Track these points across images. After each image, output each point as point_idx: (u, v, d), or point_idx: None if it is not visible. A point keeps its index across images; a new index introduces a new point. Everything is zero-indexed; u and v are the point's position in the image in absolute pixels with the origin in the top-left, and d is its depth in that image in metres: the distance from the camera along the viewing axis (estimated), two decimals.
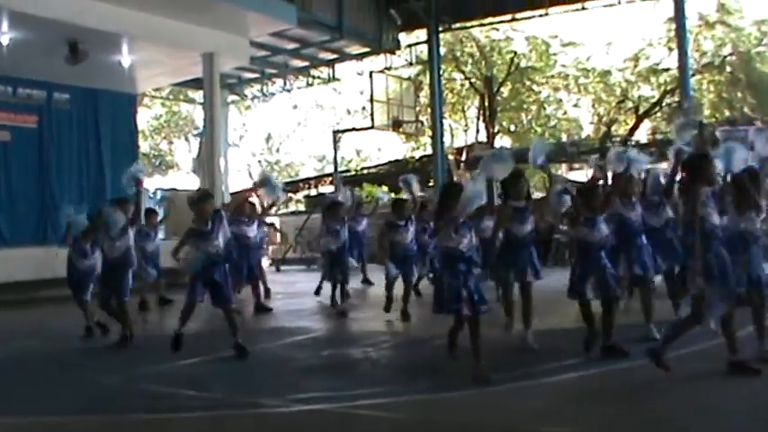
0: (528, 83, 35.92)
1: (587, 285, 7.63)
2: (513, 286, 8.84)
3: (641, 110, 33.51)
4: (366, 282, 16.42)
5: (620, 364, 7.24)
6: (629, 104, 34.30)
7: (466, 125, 38.84)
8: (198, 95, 29.72)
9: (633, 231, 8.49)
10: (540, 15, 25.97)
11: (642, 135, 33.88)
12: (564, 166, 34.65)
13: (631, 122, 33.91)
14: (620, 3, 24.45)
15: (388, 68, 28.70)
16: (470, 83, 35.58)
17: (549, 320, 8.63)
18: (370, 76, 27.22)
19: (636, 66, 33.67)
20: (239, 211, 12.80)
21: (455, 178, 30.42)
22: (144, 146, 42.37)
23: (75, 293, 10.31)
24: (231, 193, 26.47)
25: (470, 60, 35.15)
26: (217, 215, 8.44)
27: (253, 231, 12.99)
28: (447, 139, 32.68)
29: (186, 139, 48.26)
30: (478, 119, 36.49)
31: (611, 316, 7.68)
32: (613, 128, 34.73)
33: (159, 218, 14.50)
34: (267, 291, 14.55)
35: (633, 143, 31.47)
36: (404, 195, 12.13)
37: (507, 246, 8.43)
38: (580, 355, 7.64)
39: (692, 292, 6.55)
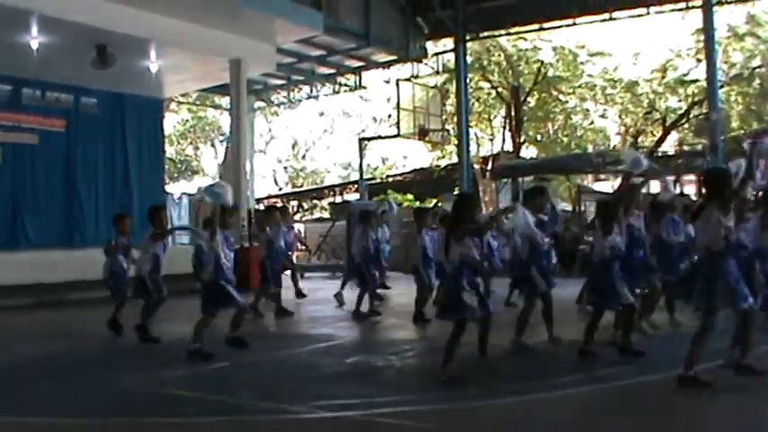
0: (555, 93, 35.80)
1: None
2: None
3: (668, 121, 33.30)
4: (384, 287, 16.24)
5: (638, 377, 7.19)
6: (657, 115, 34.09)
7: (492, 134, 38.77)
8: (225, 101, 29.92)
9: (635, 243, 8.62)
10: (568, 25, 25.98)
11: (669, 146, 33.68)
12: (590, 176, 34.51)
13: (658, 134, 33.71)
14: (648, 13, 24.35)
15: (415, 77, 28.72)
16: (497, 92, 35.51)
17: (570, 331, 8.58)
18: (397, 84, 27.23)
19: (663, 77, 33.47)
20: (270, 217, 13.02)
21: (480, 188, 30.35)
22: (170, 151, 42.59)
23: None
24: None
25: (497, 69, 35.08)
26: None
27: (280, 237, 13.13)
28: (473, 148, 32.64)
29: (212, 144, 48.47)
30: (504, 128, 36.40)
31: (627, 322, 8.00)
32: (640, 139, 34.55)
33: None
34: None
35: (660, 154, 31.34)
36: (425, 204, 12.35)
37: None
38: (600, 367, 7.64)
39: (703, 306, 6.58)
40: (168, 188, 30.68)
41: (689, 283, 6.94)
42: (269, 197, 39.96)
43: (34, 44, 16.47)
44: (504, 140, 36.52)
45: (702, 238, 6.67)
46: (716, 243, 6.50)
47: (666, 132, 33.32)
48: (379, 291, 13.88)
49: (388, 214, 14.65)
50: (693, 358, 6.52)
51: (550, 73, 34.92)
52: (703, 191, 6.80)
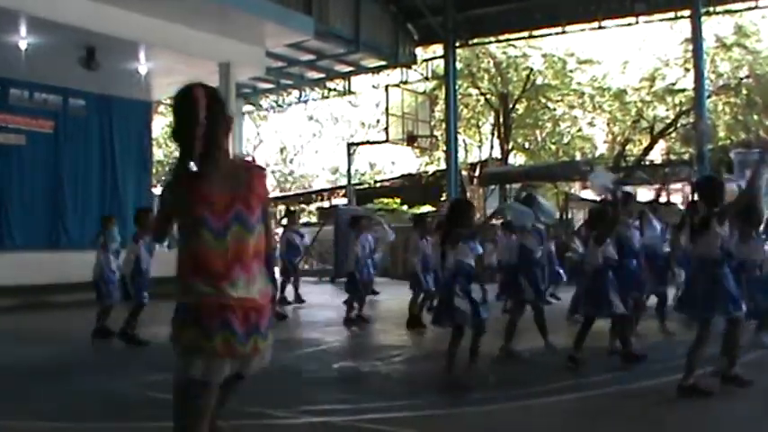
0: (543, 100, 35.85)
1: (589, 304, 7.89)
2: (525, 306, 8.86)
3: (656, 130, 33.40)
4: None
5: (625, 384, 7.21)
6: (644, 124, 34.18)
7: (480, 141, 38.78)
8: None
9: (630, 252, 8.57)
10: (557, 33, 26.07)
11: (657, 155, 33.80)
12: (577, 184, 34.58)
13: (646, 142, 33.80)
14: (637, 22, 24.47)
15: (404, 82, 28.77)
16: (486, 99, 35.53)
17: (557, 339, 8.59)
18: (386, 89, 27.27)
19: (652, 86, 33.58)
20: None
21: (468, 194, 30.39)
22: (158, 153, 42.44)
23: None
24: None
25: (486, 76, 35.10)
26: None
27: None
28: (461, 155, 32.64)
29: None
30: (493, 135, 36.43)
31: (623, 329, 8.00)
32: (628, 147, 34.62)
33: None
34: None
35: (647, 163, 31.42)
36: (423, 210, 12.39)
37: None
38: (587, 374, 7.63)
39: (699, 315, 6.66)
40: (156, 191, 30.62)
41: (685, 293, 7.01)
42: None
43: (23, 45, 16.43)
44: (492, 147, 36.56)
45: (700, 249, 6.71)
46: (713, 252, 6.58)
47: (654, 141, 33.42)
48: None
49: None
50: (692, 367, 6.56)
51: (539, 80, 34.96)
52: (695, 200, 6.83)
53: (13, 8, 14.60)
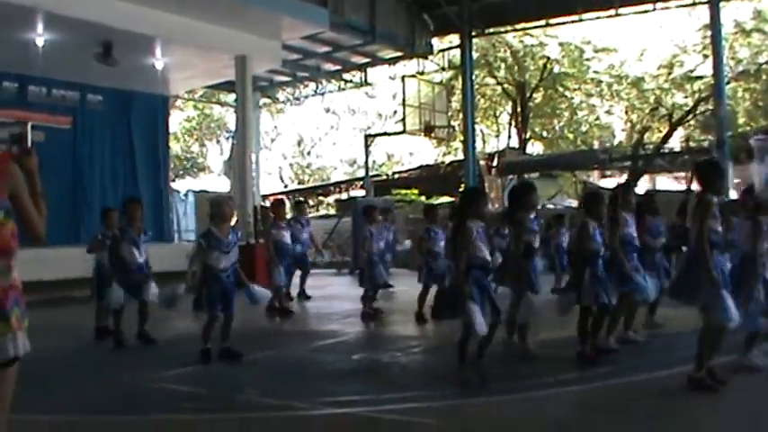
0: (560, 89, 35.78)
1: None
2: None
3: (675, 117, 33.24)
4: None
5: (633, 376, 7.20)
6: (663, 112, 34.03)
7: (497, 130, 38.78)
8: (230, 98, 29.90)
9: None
10: (574, 21, 25.93)
11: (676, 143, 33.62)
12: (596, 173, 34.48)
13: (665, 130, 33.62)
14: (654, 9, 24.31)
15: (421, 73, 28.72)
16: (503, 88, 35.50)
17: (561, 330, 8.52)
18: (403, 80, 27.22)
19: (670, 73, 33.46)
20: (278, 215, 13.01)
21: (486, 183, 30.33)
22: (176, 148, 42.65)
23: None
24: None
25: (503, 65, 35.09)
26: (234, 230, 8.48)
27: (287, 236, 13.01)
28: (478, 145, 32.60)
29: (218, 141, 48.53)
30: (510, 124, 36.41)
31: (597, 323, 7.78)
32: (646, 135, 34.47)
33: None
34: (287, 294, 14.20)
35: (666, 151, 31.24)
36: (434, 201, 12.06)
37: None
38: (599, 365, 7.60)
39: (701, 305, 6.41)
40: (174, 185, 30.76)
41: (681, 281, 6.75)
42: (274, 194, 39.99)
43: (40, 41, 16.50)
44: (509, 137, 36.57)
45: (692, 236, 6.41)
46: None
47: (673, 129, 33.24)
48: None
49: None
50: (701, 361, 6.34)
51: (556, 69, 34.92)
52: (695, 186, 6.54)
53: (29, 5, 14.67)
